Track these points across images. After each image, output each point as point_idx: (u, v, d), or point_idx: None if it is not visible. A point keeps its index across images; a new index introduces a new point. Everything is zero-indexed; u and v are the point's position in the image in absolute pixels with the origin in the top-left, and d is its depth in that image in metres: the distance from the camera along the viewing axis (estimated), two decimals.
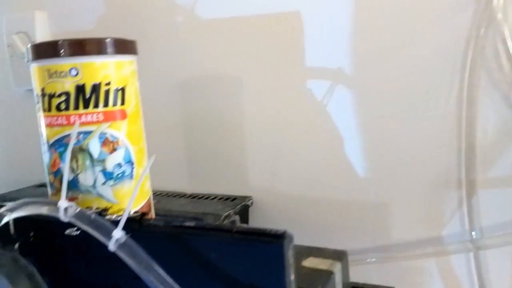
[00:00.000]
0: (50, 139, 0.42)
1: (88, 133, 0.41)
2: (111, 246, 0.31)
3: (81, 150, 0.41)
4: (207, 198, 0.63)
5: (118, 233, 0.31)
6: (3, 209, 0.36)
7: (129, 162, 0.43)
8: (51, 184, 0.43)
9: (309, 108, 0.59)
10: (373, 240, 0.58)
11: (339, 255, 0.41)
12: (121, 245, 0.31)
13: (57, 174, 0.42)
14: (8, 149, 0.82)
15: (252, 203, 0.63)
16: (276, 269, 0.29)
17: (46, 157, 0.43)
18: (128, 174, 0.43)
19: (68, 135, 0.41)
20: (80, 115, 0.41)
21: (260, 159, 0.63)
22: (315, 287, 0.35)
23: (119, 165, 0.42)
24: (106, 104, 0.41)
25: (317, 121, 0.59)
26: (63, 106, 0.41)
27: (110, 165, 0.42)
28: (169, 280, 0.30)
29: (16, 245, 0.38)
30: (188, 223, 0.32)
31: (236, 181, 0.65)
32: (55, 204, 0.32)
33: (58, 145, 0.41)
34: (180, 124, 0.67)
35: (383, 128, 0.55)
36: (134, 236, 0.32)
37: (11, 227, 0.38)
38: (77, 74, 0.40)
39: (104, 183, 0.42)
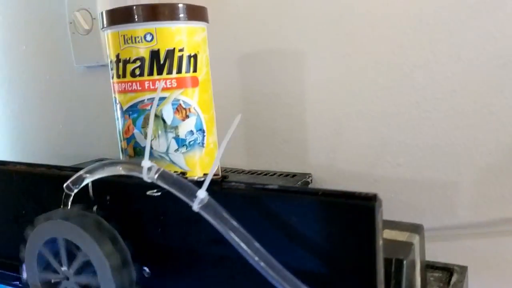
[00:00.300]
0: (124, 105, 0.42)
1: (161, 99, 0.41)
2: (195, 206, 0.31)
3: (154, 116, 0.41)
4: (266, 174, 0.62)
5: (202, 193, 0.30)
6: (82, 171, 0.36)
7: (200, 130, 0.43)
8: (124, 150, 0.43)
9: (374, 83, 0.57)
10: (441, 220, 0.56)
11: (416, 228, 0.39)
12: (205, 206, 0.31)
13: (130, 140, 0.42)
14: (68, 125, 0.84)
15: (311, 180, 0.62)
16: (366, 232, 0.28)
17: (119, 124, 0.43)
18: (199, 142, 0.43)
19: (142, 101, 0.41)
20: (154, 81, 0.41)
21: (321, 135, 0.62)
22: (398, 256, 0.33)
23: (191, 132, 0.42)
24: (179, 71, 0.41)
25: (382, 96, 0.57)
26: (137, 72, 0.41)
27: (182, 132, 0.42)
28: (255, 242, 0.30)
29: (94, 208, 0.38)
30: (270, 186, 0.31)
31: (295, 158, 0.64)
32: (138, 164, 0.32)
33: (132, 111, 0.41)
34: (239, 99, 0.66)
35: (454, 103, 0.53)
36: (215, 198, 0.31)
37: (90, 190, 0.38)
38: (152, 39, 0.40)
39: (176, 150, 0.42)
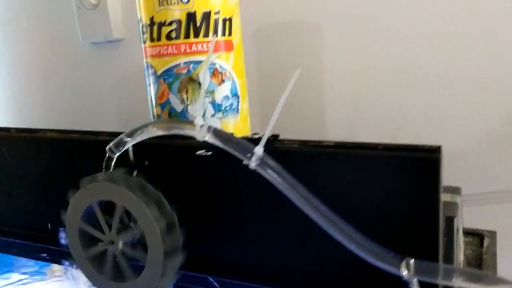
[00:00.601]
0: (159, 69, 0.41)
1: (197, 63, 0.40)
2: (252, 163, 0.30)
3: (191, 80, 0.40)
4: None
5: (259, 150, 0.30)
6: (126, 133, 0.35)
7: (235, 95, 0.42)
8: (158, 117, 0.42)
9: (393, 55, 0.57)
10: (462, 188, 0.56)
11: (456, 190, 0.40)
12: (262, 163, 0.30)
13: (165, 105, 0.41)
14: (73, 106, 0.83)
15: None
16: (429, 185, 0.28)
17: (152, 89, 0.42)
18: (234, 108, 0.42)
19: (178, 65, 0.40)
20: (190, 44, 0.40)
21: (339, 108, 0.62)
22: (448, 213, 0.34)
23: (227, 97, 0.42)
24: (215, 34, 0.40)
25: (401, 68, 0.57)
26: (173, 34, 0.40)
27: (218, 96, 0.41)
28: (315, 198, 0.29)
29: (135, 173, 0.37)
30: (326, 142, 0.31)
31: (312, 132, 0.64)
32: (190, 122, 0.32)
33: (167, 75, 0.40)
34: (255, 73, 0.66)
35: (477, 74, 0.53)
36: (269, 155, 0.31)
37: (131, 154, 0.37)
38: (188, 1, 0.39)
39: (213, 115, 0.41)
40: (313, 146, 0.32)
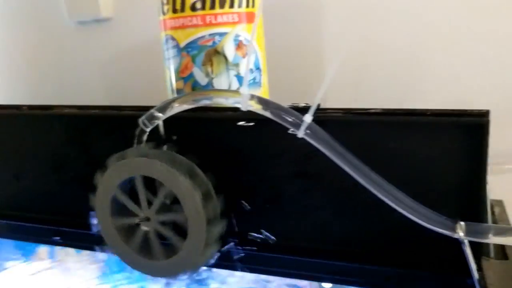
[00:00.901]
0: (182, 41, 0.40)
1: (223, 34, 0.39)
2: (301, 132, 0.30)
3: (216, 52, 0.39)
4: None
5: (308, 118, 0.30)
6: (157, 107, 0.34)
7: (258, 68, 0.42)
8: (180, 91, 0.41)
9: (394, 33, 0.56)
10: None
11: None
12: (311, 131, 0.30)
13: (188, 79, 0.40)
14: (59, 86, 0.79)
15: None
16: (477, 149, 0.29)
17: (174, 62, 0.41)
18: (258, 81, 0.42)
19: (203, 37, 0.39)
20: (215, 15, 0.39)
21: (340, 87, 0.62)
22: None
23: (251, 70, 0.41)
24: (240, 5, 0.39)
25: (402, 46, 0.57)
26: (198, 5, 0.38)
27: (243, 69, 0.40)
28: (365, 167, 0.29)
29: (164, 147, 0.36)
30: (373, 109, 0.31)
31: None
32: (236, 92, 0.31)
33: (191, 47, 0.39)
34: None
35: (476, 51, 0.54)
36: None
37: (161, 128, 0.36)
38: None
39: (237, 89, 0.40)
40: (358, 114, 0.32)
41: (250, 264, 0.38)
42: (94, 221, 0.38)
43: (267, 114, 0.31)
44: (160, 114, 0.34)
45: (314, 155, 0.34)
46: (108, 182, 0.35)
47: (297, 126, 0.30)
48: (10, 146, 0.44)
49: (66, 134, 0.41)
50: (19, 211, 0.46)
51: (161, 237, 0.35)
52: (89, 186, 0.42)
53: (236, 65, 0.40)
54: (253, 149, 0.35)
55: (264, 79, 0.43)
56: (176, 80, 0.41)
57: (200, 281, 0.43)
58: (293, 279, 0.39)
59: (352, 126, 0.32)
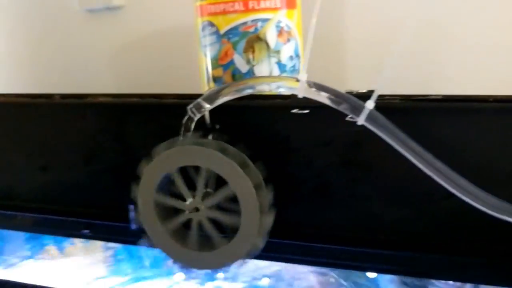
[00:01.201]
0: (222, 28, 0.38)
1: (265, 20, 0.38)
2: (361, 119, 0.29)
3: (258, 39, 0.38)
4: None
5: (371, 104, 0.29)
6: (205, 95, 0.33)
7: (297, 56, 0.41)
8: (218, 79, 0.40)
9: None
10: None
11: None
12: (371, 118, 0.29)
13: (228, 66, 0.39)
14: (66, 76, 0.77)
15: None
16: None
17: (212, 49, 0.39)
18: (297, 69, 0.41)
19: (245, 23, 0.38)
20: (258, 1, 0.38)
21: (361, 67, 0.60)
22: None
23: (291, 57, 0.40)
24: None
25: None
26: None
27: (284, 56, 0.39)
28: (428, 154, 0.29)
29: (210, 136, 0.35)
30: (433, 96, 0.31)
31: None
32: (293, 79, 0.30)
33: (233, 34, 0.38)
34: None
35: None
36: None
37: (207, 117, 0.35)
38: None
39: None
40: (417, 100, 0.31)
41: (295, 255, 0.37)
42: (133, 214, 0.37)
43: (326, 100, 0.30)
44: (207, 105, 0.33)
45: (363, 144, 0.34)
46: (156, 171, 0.33)
47: (357, 112, 0.29)
48: (36, 136, 0.43)
49: (100, 123, 0.40)
50: (46, 204, 0.45)
51: (201, 228, 0.34)
52: (123, 177, 0.41)
53: (278, 52, 0.39)
54: (301, 137, 0.35)
55: (302, 67, 0.42)
56: (214, 68, 0.40)
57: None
58: (339, 269, 0.38)
59: (411, 113, 0.31)
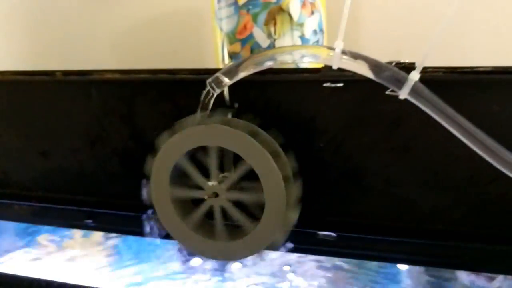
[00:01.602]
0: None
1: None
2: (404, 92, 0.26)
3: (280, 10, 0.35)
4: None
5: (416, 76, 0.26)
6: (225, 69, 0.30)
7: (321, 30, 0.38)
8: (235, 56, 0.37)
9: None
10: None
11: None
12: (415, 91, 0.26)
13: (246, 41, 0.36)
14: (64, 61, 0.73)
15: None
16: None
17: (229, 23, 0.36)
18: (321, 43, 0.38)
19: None
20: None
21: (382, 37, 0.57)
22: None
23: (315, 32, 0.37)
24: None
25: None
26: None
27: (308, 30, 0.36)
28: (478, 130, 0.26)
29: (229, 114, 0.32)
30: (481, 67, 0.27)
31: None
32: (327, 48, 0.27)
33: (253, 5, 0.35)
34: None
35: None
36: None
37: (226, 94, 0.32)
38: None
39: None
40: (464, 73, 0.28)
41: (322, 246, 0.34)
42: (145, 190, 0.34)
43: (365, 71, 0.27)
44: (226, 79, 0.30)
45: (401, 123, 0.31)
46: (174, 148, 0.30)
47: (400, 85, 0.26)
48: (35, 118, 0.39)
49: (106, 103, 0.36)
50: (45, 192, 0.41)
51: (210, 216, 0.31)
52: (131, 162, 0.38)
53: (301, 25, 0.36)
54: (330, 116, 0.31)
55: (325, 43, 0.39)
56: (232, 43, 0.37)
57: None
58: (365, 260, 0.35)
59: (456, 87, 0.28)
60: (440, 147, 0.30)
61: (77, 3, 0.68)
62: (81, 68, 0.69)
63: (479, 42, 0.51)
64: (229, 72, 0.30)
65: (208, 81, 0.30)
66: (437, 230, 0.33)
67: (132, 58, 0.69)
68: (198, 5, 0.60)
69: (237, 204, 0.31)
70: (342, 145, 0.32)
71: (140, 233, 0.39)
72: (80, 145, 0.39)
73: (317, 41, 0.37)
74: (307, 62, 0.28)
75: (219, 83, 0.30)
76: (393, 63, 0.28)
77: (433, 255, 0.33)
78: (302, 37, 0.36)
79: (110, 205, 0.40)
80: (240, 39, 0.36)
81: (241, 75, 0.30)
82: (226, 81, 0.30)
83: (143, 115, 0.36)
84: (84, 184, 0.40)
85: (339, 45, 0.27)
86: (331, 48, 0.27)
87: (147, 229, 0.38)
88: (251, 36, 0.36)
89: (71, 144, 0.39)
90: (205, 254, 0.33)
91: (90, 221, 0.41)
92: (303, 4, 0.36)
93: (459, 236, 0.32)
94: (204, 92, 0.30)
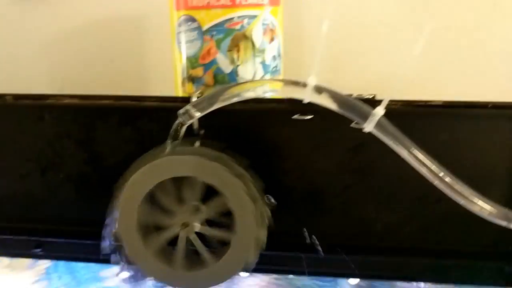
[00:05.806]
0: (205, 24, 0.35)
1: (252, 17, 0.36)
2: (369, 126, 0.28)
3: (244, 37, 0.36)
4: None
5: (381, 111, 0.28)
6: (188, 105, 0.30)
7: (279, 55, 0.39)
8: (197, 80, 0.37)
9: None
10: None
11: None
12: (379, 125, 0.28)
13: (210, 66, 0.36)
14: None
15: None
16: None
17: (192, 47, 0.36)
18: (279, 69, 0.39)
19: (231, 19, 0.35)
20: None
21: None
22: None
23: (274, 58, 0.38)
24: None
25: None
26: None
27: (268, 56, 0.37)
28: (435, 163, 0.29)
29: (197, 143, 0.32)
30: (434, 102, 0.30)
31: None
32: (297, 83, 0.28)
33: (217, 31, 0.35)
34: None
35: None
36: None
37: (196, 123, 0.32)
38: None
39: (262, 78, 0.37)
40: (419, 106, 0.31)
41: (283, 266, 0.35)
42: (108, 229, 0.33)
43: (333, 106, 0.28)
44: (197, 113, 0.30)
45: (361, 149, 0.33)
46: (143, 183, 0.30)
47: (365, 119, 0.28)
48: None
49: (61, 128, 0.35)
50: None
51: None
52: (87, 188, 0.36)
53: (262, 51, 0.37)
54: (296, 142, 0.33)
55: (282, 67, 0.40)
56: (194, 67, 0.37)
57: None
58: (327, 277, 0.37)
59: (414, 119, 0.31)
60: (395, 170, 0.33)
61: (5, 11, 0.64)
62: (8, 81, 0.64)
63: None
64: (200, 105, 0.30)
65: (179, 112, 0.30)
66: (388, 246, 0.35)
67: (65, 70, 0.66)
68: (139, 13, 0.59)
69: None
70: (305, 169, 0.34)
71: (96, 260, 0.37)
72: (30, 171, 0.36)
73: (276, 66, 0.38)
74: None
75: (190, 116, 0.30)
76: (353, 96, 0.30)
77: (382, 269, 0.36)
78: (263, 63, 0.37)
79: (62, 232, 0.38)
80: (203, 64, 0.36)
81: (212, 108, 0.30)
82: (197, 114, 0.30)
83: (102, 140, 0.35)
84: (32, 211, 0.38)
85: (312, 81, 0.28)
86: (302, 84, 0.28)
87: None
88: (214, 61, 0.36)
89: (19, 169, 0.37)
90: (165, 282, 0.32)
91: (39, 249, 0.39)
92: (265, 31, 0.37)
93: (408, 251, 0.35)
94: (176, 124, 0.30)
